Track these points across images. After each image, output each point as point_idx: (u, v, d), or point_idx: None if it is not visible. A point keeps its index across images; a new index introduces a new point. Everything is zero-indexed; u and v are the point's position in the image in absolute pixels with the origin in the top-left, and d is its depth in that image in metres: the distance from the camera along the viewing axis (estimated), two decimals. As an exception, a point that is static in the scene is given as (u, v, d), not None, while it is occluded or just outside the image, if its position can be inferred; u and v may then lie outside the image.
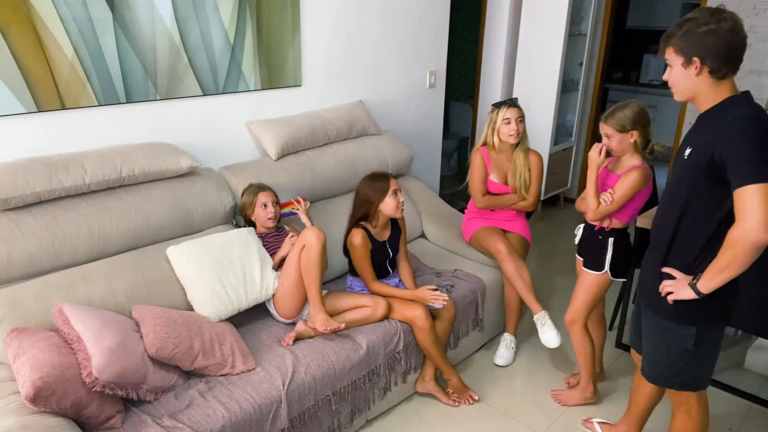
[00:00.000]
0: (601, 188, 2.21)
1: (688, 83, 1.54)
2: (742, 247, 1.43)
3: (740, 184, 1.41)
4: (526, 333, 3.00)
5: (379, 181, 2.35)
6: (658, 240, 1.73)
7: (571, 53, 4.39)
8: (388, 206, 2.35)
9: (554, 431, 2.38)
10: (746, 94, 1.53)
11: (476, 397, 2.51)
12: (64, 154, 2.13)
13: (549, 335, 2.54)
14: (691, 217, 1.60)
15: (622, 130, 2.10)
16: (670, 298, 1.65)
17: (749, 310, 2.32)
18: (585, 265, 2.31)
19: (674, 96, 1.61)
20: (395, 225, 2.50)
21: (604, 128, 2.13)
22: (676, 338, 1.71)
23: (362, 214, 2.38)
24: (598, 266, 2.26)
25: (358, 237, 2.33)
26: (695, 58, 1.48)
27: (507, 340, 2.82)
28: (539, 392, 2.61)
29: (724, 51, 1.46)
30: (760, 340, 2.78)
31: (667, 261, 1.70)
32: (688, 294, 1.60)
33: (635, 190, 2.11)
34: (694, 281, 1.59)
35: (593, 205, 2.17)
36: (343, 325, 2.17)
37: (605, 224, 2.24)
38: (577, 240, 2.37)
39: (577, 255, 2.41)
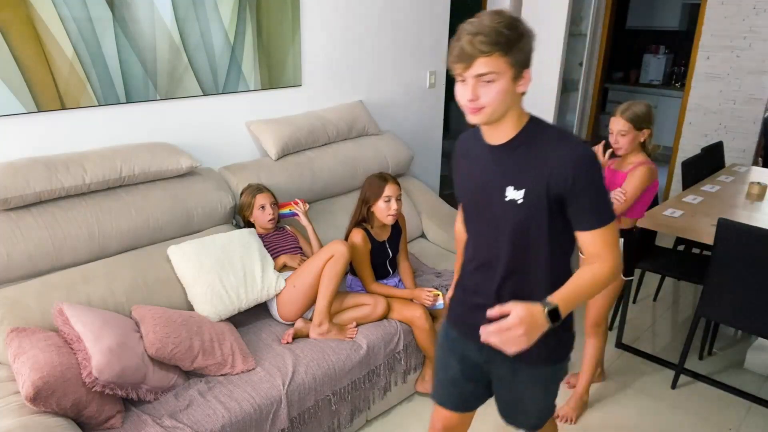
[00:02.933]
0: (609, 188, 2.22)
1: (509, 101, 1.26)
2: (604, 284, 1.32)
3: (596, 225, 1.28)
4: (526, 333, 2.99)
5: (378, 181, 2.36)
6: (501, 289, 1.41)
7: (571, 53, 4.39)
8: (379, 210, 2.35)
9: (554, 431, 2.38)
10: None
11: (476, 397, 2.51)
12: (64, 154, 2.13)
13: (549, 335, 2.53)
14: (541, 256, 1.36)
15: (638, 126, 2.11)
16: (520, 346, 1.19)
17: (749, 310, 2.32)
18: None
19: (477, 118, 1.27)
20: (396, 225, 2.50)
21: (619, 123, 2.12)
22: (553, 379, 1.52)
23: (361, 216, 2.39)
24: None
25: (358, 237, 2.33)
26: (527, 71, 1.27)
27: (507, 340, 2.82)
28: (539, 392, 2.61)
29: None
30: (760, 340, 2.78)
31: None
32: (540, 324, 1.21)
33: (645, 186, 2.13)
34: (548, 307, 1.23)
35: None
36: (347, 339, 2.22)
37: None
38: None
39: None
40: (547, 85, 4.27)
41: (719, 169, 3.52)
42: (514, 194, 1.30)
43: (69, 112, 2.21)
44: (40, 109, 2.12)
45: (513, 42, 1.20)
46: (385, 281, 2.48)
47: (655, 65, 6.61)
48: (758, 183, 2.92)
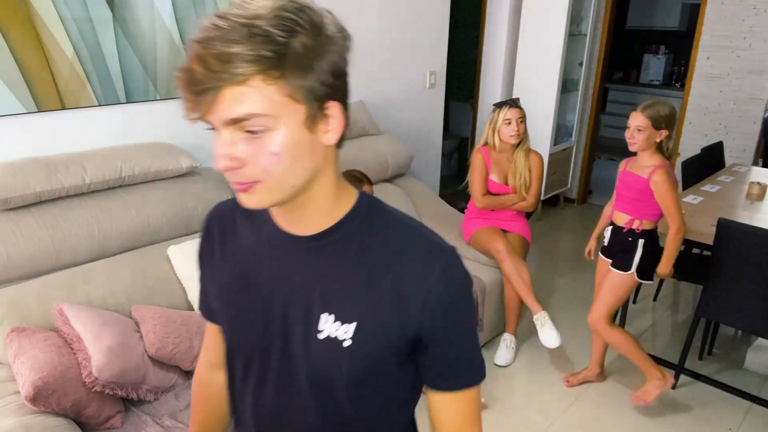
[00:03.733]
0: (625, 190, 2.24)
1: (308, 164, 0.69)
2: None
3: (463, 384, 0.80)
4: (526, 333, 3.00)
5: (353, 182, 2.33)
6: None
7: (571, 53, 4.39)
8: None
9: (554, 431, 2.38)
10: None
11: (476, 398, 2.50)
12: (64, 154, 2.13)
13: (549, 335, 2.54)
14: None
15: (657, 126, 2.11)
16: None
17: (749, 310, 2.32)
18: (612, 266, 2.31)
19: (252, 200, 0.70)
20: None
21: (638, 118, 2.12)
22: None
23: None
24: (625, 266, 2.26)
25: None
26: (333, 105, 0.68)
27: (507, 340, 2.82)
28: (539, 392, 2.61)
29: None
30: (760, 340, 2.78)
31: None
32: None
33: (673, 186, 2.13)
34: None
35: (674, 234, 2.15)
36: None
37: (635, 225, 2.24)
38: (606, 242, 2.37)
39: (601, 255, 2.42)
40: (547, 85, 4.27)
41: (719, 169, 3.52)
42: (334, 329, 0.75)
43: (69, 112, 2.21)
44: (40, 109, 2.12)
45: (298, 52, 0.62)
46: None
47: (655, 65, 6.61)
48: (758, 183, 2.93)
